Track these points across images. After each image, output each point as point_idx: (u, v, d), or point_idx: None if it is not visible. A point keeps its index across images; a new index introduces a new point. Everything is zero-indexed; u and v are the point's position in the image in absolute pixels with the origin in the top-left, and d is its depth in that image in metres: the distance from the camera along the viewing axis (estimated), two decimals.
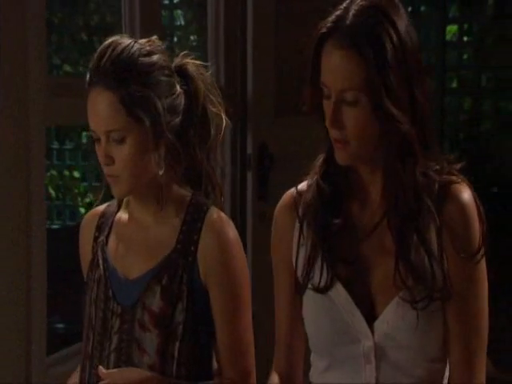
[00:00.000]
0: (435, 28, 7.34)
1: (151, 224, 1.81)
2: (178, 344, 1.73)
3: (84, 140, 8.07)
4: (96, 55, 1.73)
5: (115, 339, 1.75)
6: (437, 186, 1.64)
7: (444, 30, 7.32)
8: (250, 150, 3.69)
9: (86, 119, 1.76)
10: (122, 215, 1.86)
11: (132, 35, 1.82)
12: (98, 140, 1.74)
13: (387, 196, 1.65)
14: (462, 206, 1.63)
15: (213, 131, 1.83)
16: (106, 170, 1.75)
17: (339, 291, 1.67)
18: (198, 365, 1.76)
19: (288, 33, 3.95)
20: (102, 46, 1.74)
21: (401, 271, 1.62)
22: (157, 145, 1.74)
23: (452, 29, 7.39)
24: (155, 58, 1.75)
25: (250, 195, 3.71)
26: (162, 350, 1.72)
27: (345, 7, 1.61)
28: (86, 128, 1.84)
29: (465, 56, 7.27)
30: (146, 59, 1.74)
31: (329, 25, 1.60)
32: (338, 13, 1.60)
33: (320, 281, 1.68)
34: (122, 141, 1.72)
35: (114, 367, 1.73)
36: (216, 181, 1.86)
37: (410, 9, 7.20)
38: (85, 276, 1.89)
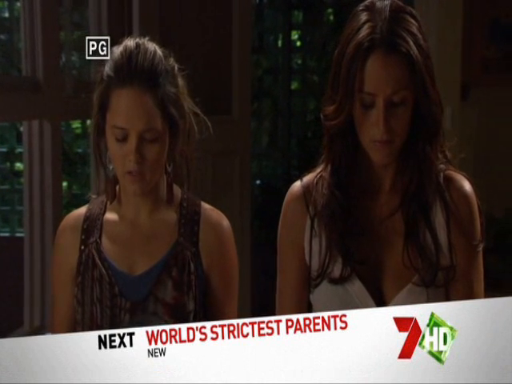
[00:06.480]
0: (281, 32, 7.62)
1: (145, 221, 1.89)
2: None
3: None
4: (122, 56, 1.78)
5: None
6: (442, 176, 1.80)
7: (289, 34, 7.62)
8: None
9: None
10: (111, 216, 1.91)
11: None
12: (123, 137, 1.77)
13: (407, 181, 1.77)
14: (466, 197, 1.80)
15: (196, 129, 1.90)
16: (132, 167, 1.77)
17: (354, 282, 1.77)
18: None
19: (176, 31, 4.08)
20: (127, 48, 1.79)
21: (409, 251, 1.76)
22: (176, 144, 1.85)
23: (295, 33, 7.69)
24: (172, 60, 1.86)
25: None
26: None
27: (373, 17, 1.71)
28: None
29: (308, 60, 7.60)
30: (170, 62, 1.84)
31: (370, 37, 1.68)
32: (370, 24, 1.70)
33: (339, 276, 1.78)
34: (154, 140, 1.77)
35: None
36: (192, 177, 1.94)
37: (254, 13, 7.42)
38: (54, 278, 1.93)
